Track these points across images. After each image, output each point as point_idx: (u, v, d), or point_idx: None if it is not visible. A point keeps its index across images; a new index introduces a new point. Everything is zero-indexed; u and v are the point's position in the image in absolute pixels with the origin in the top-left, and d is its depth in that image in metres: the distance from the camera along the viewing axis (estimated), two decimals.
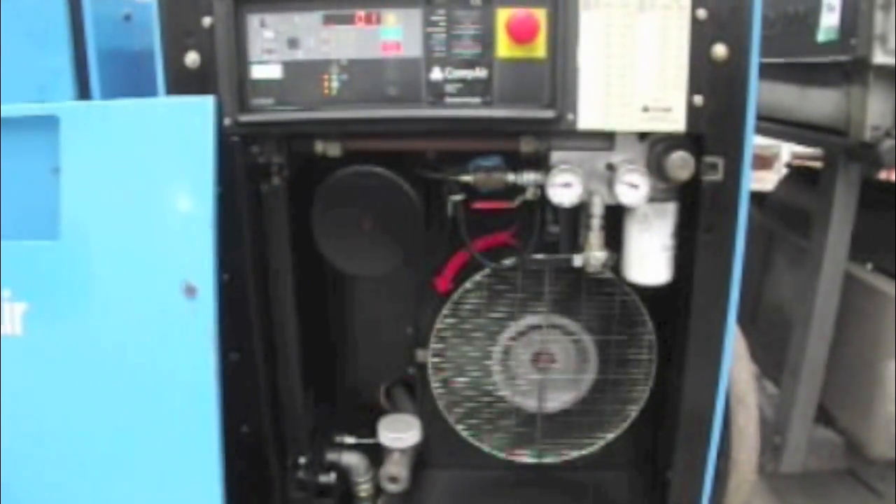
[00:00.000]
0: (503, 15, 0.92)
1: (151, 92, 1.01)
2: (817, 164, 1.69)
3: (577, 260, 1.07)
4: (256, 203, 1.05)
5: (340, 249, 1.08)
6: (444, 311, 1.21)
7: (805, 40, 1.27)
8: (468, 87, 0.94)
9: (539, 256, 1.13)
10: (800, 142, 1.42)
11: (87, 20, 1.05)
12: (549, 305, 1.21)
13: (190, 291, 0.96)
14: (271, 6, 0.95)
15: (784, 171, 2.33)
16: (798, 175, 1.79)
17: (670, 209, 1.07)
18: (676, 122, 0.98)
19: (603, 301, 1.21)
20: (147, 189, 0.99)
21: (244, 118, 0.96)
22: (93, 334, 1.00)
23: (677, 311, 1.13)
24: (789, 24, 1.31)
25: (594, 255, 1.06)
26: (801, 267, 1.45)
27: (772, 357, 1.51)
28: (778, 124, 1.41)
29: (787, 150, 3.07)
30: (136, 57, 1.12)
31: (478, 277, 1.19)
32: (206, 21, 0.96)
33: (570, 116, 0.95)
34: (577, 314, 1.22)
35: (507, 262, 1.16)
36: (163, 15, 0.97)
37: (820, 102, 1.27)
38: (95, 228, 1.00)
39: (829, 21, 1.20)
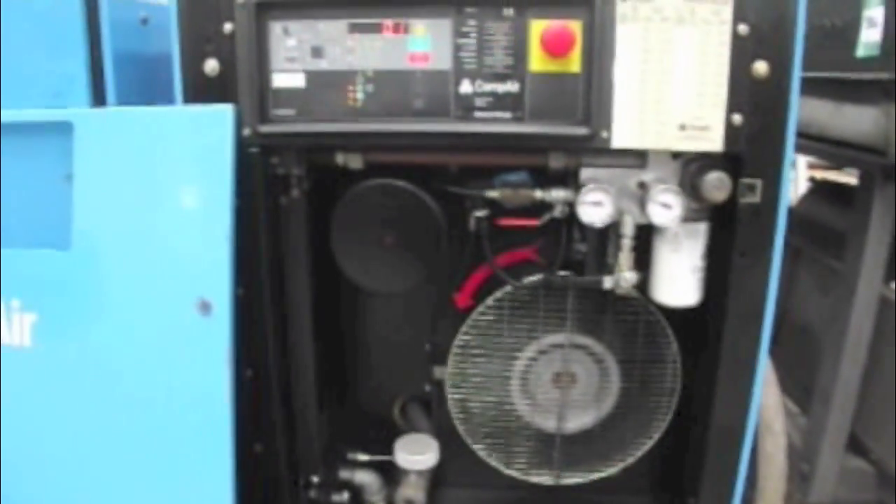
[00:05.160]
0: (537, 27, 0.89)
1: (169, 98, 0.98)
2: (842, 179, 1.65)
3: (608, 282, 1.03)
4: (274, 216, 1.01)
5: (360, 265, 1.05)
6: (464, 329, 1.18)
7: (842, 55, 1.23)
8: (499, 101, 0.91)
9: (564, 274, 1.09)
10: (832, 160, 1.38)
11: (103, 24, 1.02)
12: (572, 324, 1.17)
13: (204, 308, 0.93)
14: (295, 13, 0.91)
15: (804, 184, 2.28)
16: (823, 190, 1.75)
17: (702, 229, 1.03)
18: (714, 141, 0.94)
19: (627, 321, 1.17)
20: (162, 199, 0.95)
21: (264, 129, 0.93)
22: (103, 348, 0.97)
23: (705, 332, 1.09)
24: (825, 38, 1.27)
25: (624, 276, 1.02)
26: (830, 287, 1.40)
27: (795, 378, 1.47)
28: (808, 140, 1.36)
29: (804, 162, 3.01)
30: (153, 62, 1.09)
31: (499, 295, 1.16)
32: (227, 27, 0.93)
33: (604, 134, 0.92)
34: (600, 334, 1.19)
35: (531, 279, 1.13)
36: (182, 20, 0.94)
37: (856, 120, 1.23)
38: (108, 239, 0.97)
39: (869, 36, 1.16)
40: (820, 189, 1.76)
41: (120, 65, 1.04)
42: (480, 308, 1.17)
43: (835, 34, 1.26)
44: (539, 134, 0.91)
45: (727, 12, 0.91)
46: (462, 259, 1.13)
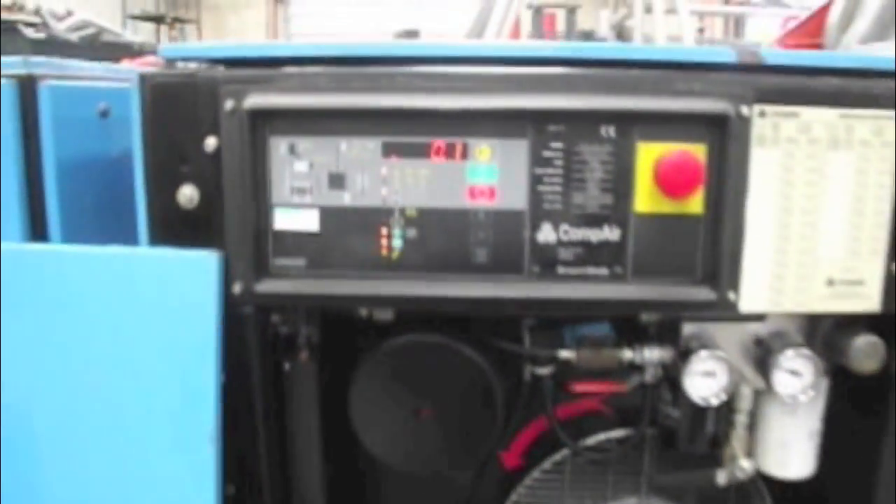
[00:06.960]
0: (648, 153, 0.64)
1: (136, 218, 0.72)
2: None
3: (721, 477, 0.79)
4: (276, 385, 0.76)
5: (389, 443, 0.79)
6: (514, 496, 0.93)
7: None
8: (591, 253, 0.66)
9: (651, 433, 0.86)
10: None
11: (43, 124, 0.75)
12: (647, 486, 0.93)
13: None
14: (306, 126, 0.66)
15: None
16: None
17: (822, 387, 0.80)
18: (870, 299, 0.70)
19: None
20: (119, 378, 0.69)
21: (263, 287, 0.66)
22: None
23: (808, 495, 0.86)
24: None
25: (741, 465, 0.78)
26: None
27: None
28: None
29: None
30: (114, 165, 0.82)
31: (558, 458, 0.91)
32: (210, 143, 0.67)
33: (731, 296, 0.67)
34: (683, 498, 0.95)
35: (598, 438, 0.88)
36: (148, 131, 0.67)
37: None
38: (45, 424, 0.71)
39: None
40: None
41: (67, 177, 0.77)
42: (535, 473, 0.92)
43: None
44: (647, 301, 0.66)
45: (890, 131, 0.68)
46: (512, 412, 0.89)
